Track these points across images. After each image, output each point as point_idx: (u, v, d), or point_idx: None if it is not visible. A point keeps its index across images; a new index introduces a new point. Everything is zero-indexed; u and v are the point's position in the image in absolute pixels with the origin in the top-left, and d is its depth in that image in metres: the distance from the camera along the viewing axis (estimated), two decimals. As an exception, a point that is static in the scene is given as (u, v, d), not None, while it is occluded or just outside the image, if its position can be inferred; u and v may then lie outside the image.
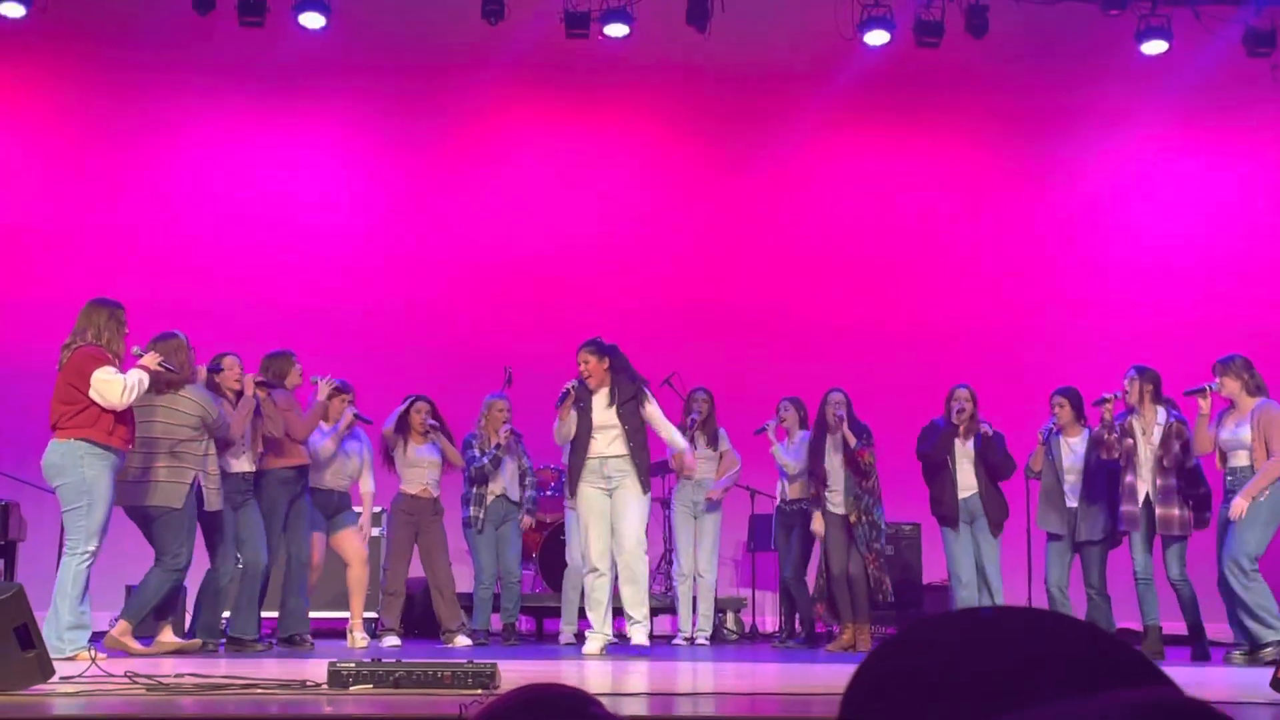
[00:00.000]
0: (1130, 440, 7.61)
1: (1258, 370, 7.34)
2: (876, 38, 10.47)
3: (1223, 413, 7.38)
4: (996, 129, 11.48)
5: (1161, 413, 7.60)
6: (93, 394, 6.21)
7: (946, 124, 11.47)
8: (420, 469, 8.24)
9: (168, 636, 7.07)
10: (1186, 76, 10.98)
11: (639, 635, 7.19)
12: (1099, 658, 1.01)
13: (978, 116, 11.44)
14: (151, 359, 6.49)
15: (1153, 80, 11.09)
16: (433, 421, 8.21)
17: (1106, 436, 7.60)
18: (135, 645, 6.81)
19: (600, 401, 7.32)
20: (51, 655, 5.84)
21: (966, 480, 8.15)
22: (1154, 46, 10.56)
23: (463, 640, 8.08)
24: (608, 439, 7.27)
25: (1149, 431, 7.61)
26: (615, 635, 7.51)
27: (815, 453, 8.34)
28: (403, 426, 8.25)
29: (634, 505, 7.22)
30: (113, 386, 6.22)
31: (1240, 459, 7.22)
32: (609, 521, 7.26)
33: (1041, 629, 1.05)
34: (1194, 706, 0.87)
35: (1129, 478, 7.60)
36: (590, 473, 7.29)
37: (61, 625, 6.19)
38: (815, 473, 8.31)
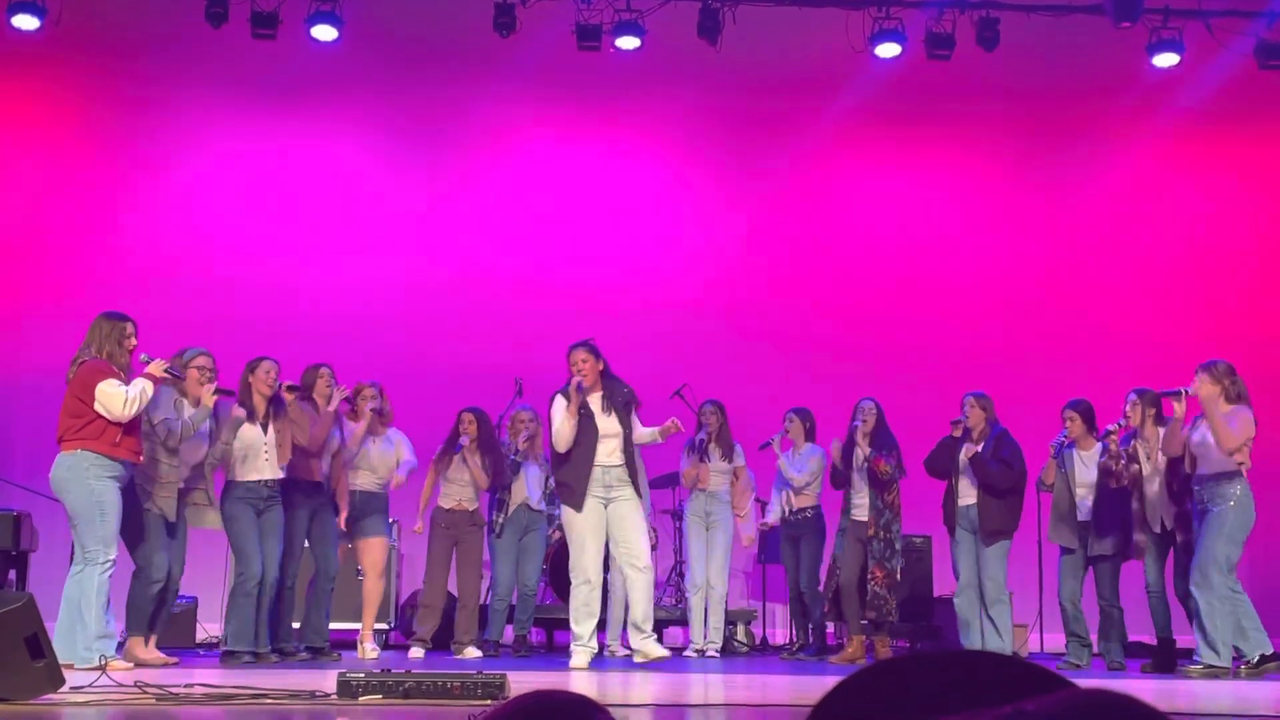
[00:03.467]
0: (1136, 466, 7.53)
1: (1240, 379, 7.10)
2: (887, 50, 10.47)
3: (1197, 417, 7.17)
4: (1008, 141, 11.47)
5: (1163, 434, 7.46)
6: (97, 406, 6.29)
7: (958, 136, 11.46)
8: (456, 484, 8.31)
9: (138, 649, 7.05)
10: (1198, 89, 10.96)
11: (656, 649, 7.00)
12: (1028, 679, 1.18)
13: (989, 129, 11.43)
14: (157, 366, 6.55)
15: (1164, 93, 11.07)
16: (462, 441, 8.23)
17: (1115, 466, 7.54)
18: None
19: (598, 407, 7.09)
20: (82, 666, 5.91)
21: (967, 488, 8.09)
22: (1165, 59, 10.55)
23: (473, 651, 8.09)
24: (609, 448, 7.05)
25: (1153, 456, 7.54)
26: (624, 648, 7.47)
27: (845, 459, 8.25)
28: (453, 438, 8.32)
29: (637, 515, 7.05)
30: (115, 399, 6.30)
31: (1210, 465, 7.03)
32: (604, 533, 7.10)
33: (976, 666, 1.22)
34: (1124, 700, 1.00)
35: (1135, 504, 7.55)
36: (594, 483, 7.03)
37: (90, 635, 6.25)
38: (840, 477, 8.29)
